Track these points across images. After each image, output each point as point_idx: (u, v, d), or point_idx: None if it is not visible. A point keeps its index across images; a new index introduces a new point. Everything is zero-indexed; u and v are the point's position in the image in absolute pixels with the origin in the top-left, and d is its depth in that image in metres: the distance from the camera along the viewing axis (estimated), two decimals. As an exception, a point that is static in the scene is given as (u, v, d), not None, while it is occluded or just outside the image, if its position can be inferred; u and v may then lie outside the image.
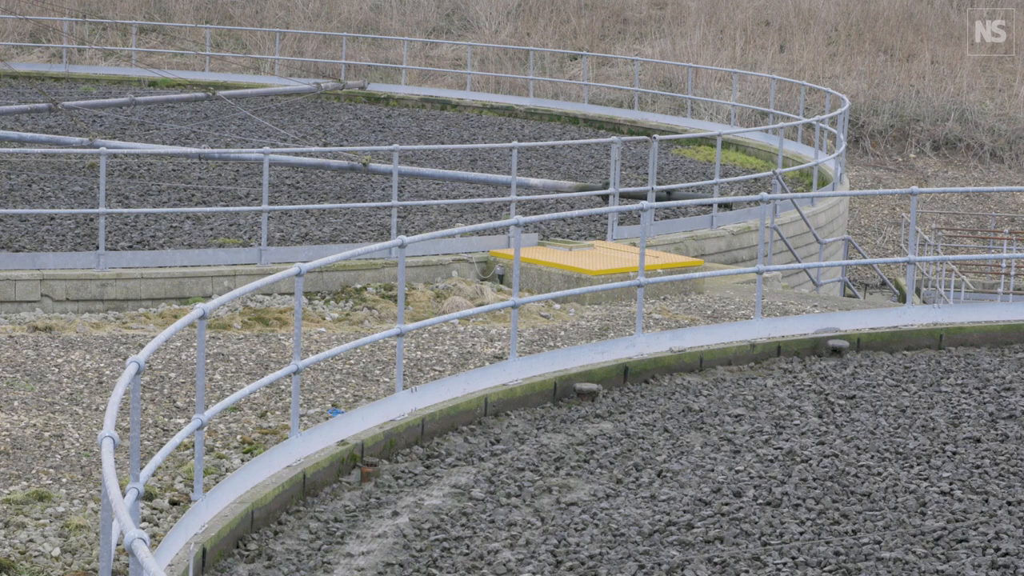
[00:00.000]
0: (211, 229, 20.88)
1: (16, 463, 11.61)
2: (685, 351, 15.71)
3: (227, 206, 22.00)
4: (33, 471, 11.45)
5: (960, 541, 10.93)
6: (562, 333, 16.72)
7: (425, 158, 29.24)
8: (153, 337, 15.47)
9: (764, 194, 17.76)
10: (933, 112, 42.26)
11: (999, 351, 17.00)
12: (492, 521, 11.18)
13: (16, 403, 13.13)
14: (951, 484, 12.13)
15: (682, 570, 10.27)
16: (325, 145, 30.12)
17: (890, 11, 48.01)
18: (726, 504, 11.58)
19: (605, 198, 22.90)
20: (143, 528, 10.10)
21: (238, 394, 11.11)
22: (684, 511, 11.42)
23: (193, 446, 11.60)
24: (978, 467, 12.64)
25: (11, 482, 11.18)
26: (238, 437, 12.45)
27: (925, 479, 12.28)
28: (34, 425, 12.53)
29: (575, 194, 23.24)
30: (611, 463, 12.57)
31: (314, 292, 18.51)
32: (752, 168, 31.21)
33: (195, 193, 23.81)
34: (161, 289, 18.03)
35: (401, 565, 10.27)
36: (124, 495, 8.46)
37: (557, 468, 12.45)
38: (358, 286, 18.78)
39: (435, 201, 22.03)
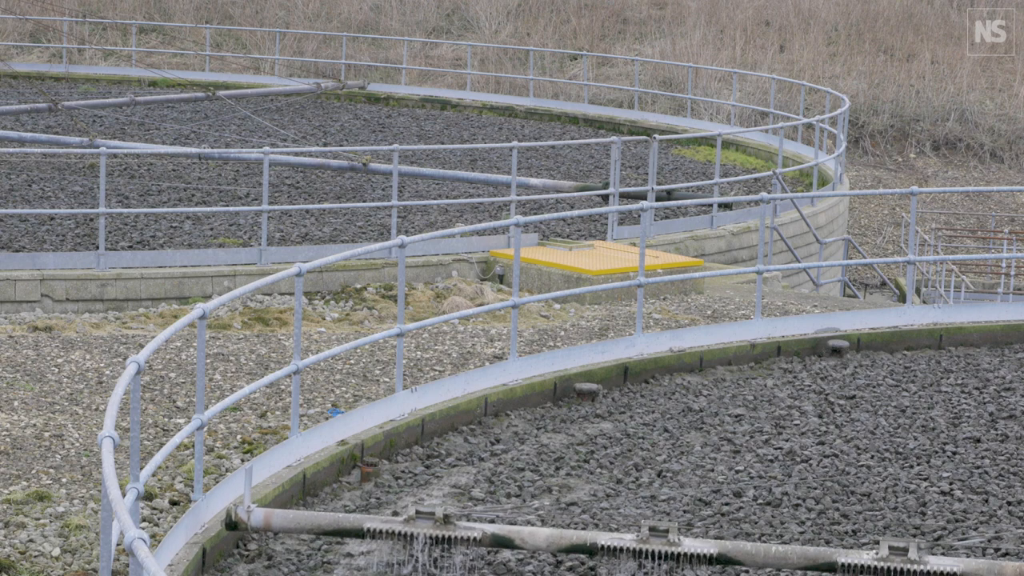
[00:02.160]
0: (211, 229, 20.88)
1: (16, 463, 11.62)
2: (685, 351, 15.71)
3: (227, 206, 22.00)
4: (33, 471, 11.45)
5: (960, 541, 10.93)
6: (562, 333, 16.72)
7: (425, 158, 29.24)
8: (153, 337, 15.47)
9: (764, 194, 17.76)
10: (933, 112, 42.26)
11: (999, 351, 17.00)
12: (492, 521, 11.17)
13: (16, 403, 13.13)
14: (951, 484, 12.13)
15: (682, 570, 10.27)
16: (325, 145, 30.12)
17: (890, 11, 48.01)
18: (726, 504, 11.58)
19: (605, 198, 22.90)
20: (143, 528, 10.11)
21: (238, 394, 11.11)
22: (684, 511, 11.42)
23: (193, 446, 11.60)
24: (978, 467, 12.64)
25: (11, 482, 11.18)
26: (238, 437, 12.45)
27: (925, 479, 12.28)
28: (34, 425, 12.53)
29: (575, 194, 23.24)
30: (611, 463, 12.57)
31: (314, 292, 18.51)
32: (752, 168, 31.21)
33: (195, 193, 23.82)
34: (161, 289, 18.03)
35: (401, 565, 10.27)
36: (124, 495, 8.46)
37: (557, 468, 12.45)
38: (358, 286, 18.78)
39: (435, 201, 22.03)
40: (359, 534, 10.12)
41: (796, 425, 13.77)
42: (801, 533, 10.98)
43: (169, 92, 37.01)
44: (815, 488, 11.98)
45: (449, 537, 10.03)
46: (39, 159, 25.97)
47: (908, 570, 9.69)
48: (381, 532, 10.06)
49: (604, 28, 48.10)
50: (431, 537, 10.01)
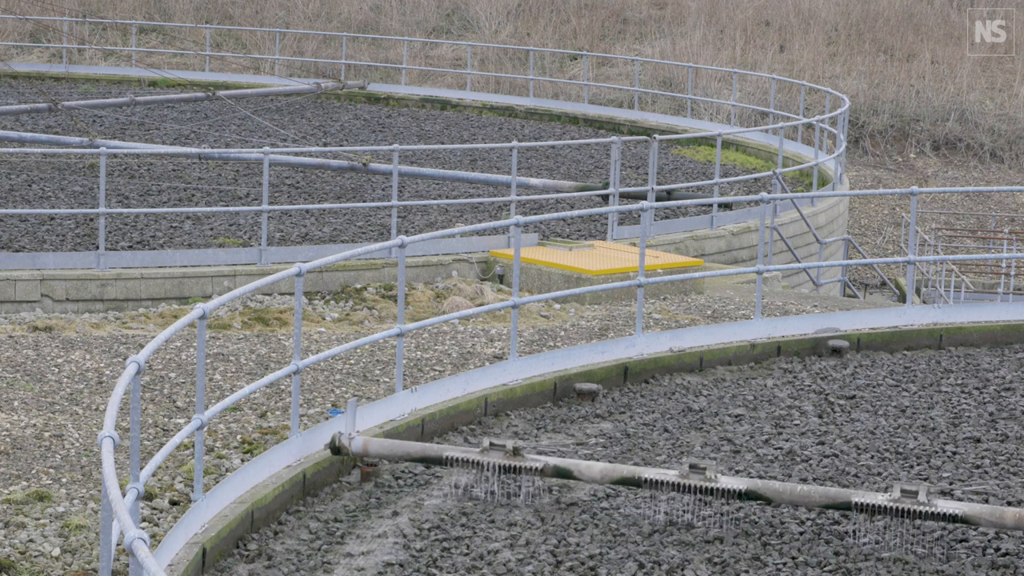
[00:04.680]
0: (211, 229, 20.88)
1: (16, 463, 11.62)
2: (685, 351, 15.71)
3: (227, 206, 22.00)
4: (33, 471, 11.45)
5: (960, 541, 10.94)
6: (562, 333, 16.72)
7: (425, 158, 29.24)
8: (153, 337, 15.47)
9: (764, 194, 17.76)
10: (933, 112, 42.27)
11: (999, 351, 17.00)
12: (492, 521, 11.18)
13: (16, 403, 13.13)
14: (951, 484, 12.13)
15: (682, 570, 10.27)
16: (325, 145, 30.12)
17: (890, 11, 48.01)
18: (726, 504, 11.58)
19: (605, 198, 22.90)
20: (143, 528, 10.11)
21: (238, 394, 11.11)
22: (684, 511, 11.42)
23: (193, 446, 11.60)
24: (978, 467, 12.64)
25: (11, 482, 11.19)
26: (238, 437, 12.45)
27: (925, 479, 12.28)
28: (34, 425, 12.53)
29: (575, 194, 23.24)
30: (611, 463, 12.56)
31: (314, 292, 18.51)
32: (752, 168, 31.22)
33: (195, 193, 23.82)
34: (161, 289, 18.04)
35: (401, 565, 10.28)
36: (124, 495, 8.46)
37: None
38: (358, 286, 18.78)
39: (435, 201, 22.03)
40: (440, 462, 11.59)
41: (796, 425, 13.77)
42: (801, 533, 10.99)
43: (169, 92, 37.01)
44: (815, 488, 11.98)
45: (516, 466, 11.42)
46: (39, 159, 25.97)
47: (917, 511, 10.65)
48: (458, 460, 11.50)
49: (604, 28, 48.10)
50: (501, 466, 11.43)
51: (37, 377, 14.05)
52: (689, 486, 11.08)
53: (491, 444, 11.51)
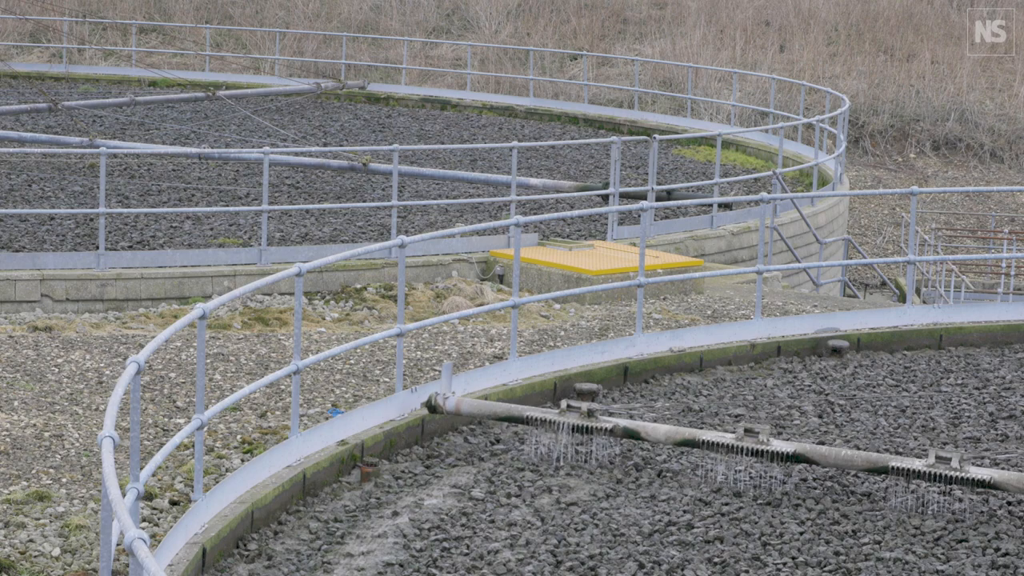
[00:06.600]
0: (211, 229, 20.88)
1: (16, 463, 11.62)
2: (685, 351, 15.71)
3: (227, 206, 22.00)
4: (33, 471, 11.45)
5: (960, 541, 10.94)
6: (562, 333, 16.72)
7: (425, 158, 29.24)
8: (153, 337, 15.47)
9: (764, 194, 17.75)
10: (933, 112, 42.26)
11: (999, 351, 17.00)
12: (492, 521, 11.18)
13: (16, 403, 13.13)
14: (951, 484, 12.12)
15: (682, 570, 10.27)
16: (325, 145, 30.12)
17: (890, 11, 48.02)
18: (726, 504, 11.59)
19: (605, 198, 22.90)
20: (143, 528, 10.11)
21: (238, 394, 11.11)
22: (684, 511, 11.43)
23: (193, 446, 11.60)
24: (978, 467, 12.63)
25: (11, 482, 11.19)
26: (238, 437, 12.45)
27: (925, 479, 12.29)
28: (34, 425, 12.53)
29: (575, 194, 23.24)
30: (611, 463, 12.58)
31: (314, 292, 18.51)
32: (752, 168, 31.21)
33: (195, 193, 23.82)
34: (161, 289, 18.04)
35: (401, 565, 10.28)
36: (124, 495, 8.46)
37: (557, 468, 12.45)
38: (358, 286, 18.78)
39: (435, 201, 22.03)
40: (522, 420, 12.72)
41: (796, 425, 13.77)
42: (801, 533, 10.99)
43: (169, 92, 37.01)
44: (815, 488, 11.99)
45: (589, 427, 12.47)
46: (39, 159, 25.97)
47: (950, 476, 11.50)
48: (538, 420, 12.60)
49: (604, 28, 48.10)
50: (575, 426, 12.49)
51: (37, 377, 14.04)
52: (744, 448, 12.00)
53: (568, 406, 12.58)
